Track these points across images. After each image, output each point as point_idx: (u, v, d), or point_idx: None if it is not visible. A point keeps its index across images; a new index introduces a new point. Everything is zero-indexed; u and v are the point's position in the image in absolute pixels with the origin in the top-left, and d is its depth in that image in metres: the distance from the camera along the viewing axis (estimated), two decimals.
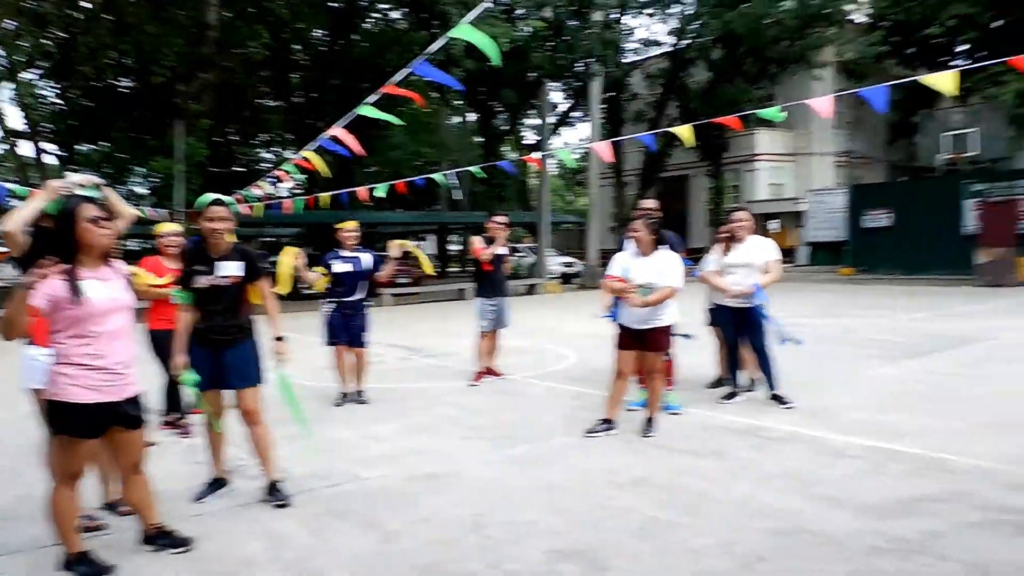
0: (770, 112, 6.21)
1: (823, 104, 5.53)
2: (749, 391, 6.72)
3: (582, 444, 5.43)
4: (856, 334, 10.86)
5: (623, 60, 29.86)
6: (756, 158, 34.00)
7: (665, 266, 5.48)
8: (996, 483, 4.32)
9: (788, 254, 28.51)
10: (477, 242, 7.97)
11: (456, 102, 33.62)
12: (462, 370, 8.58)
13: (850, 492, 4.25)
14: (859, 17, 31.42)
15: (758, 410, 6.29)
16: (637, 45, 31.75)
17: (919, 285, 19.57)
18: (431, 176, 10.29)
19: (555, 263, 27.33)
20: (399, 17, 26.73)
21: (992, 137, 21.42)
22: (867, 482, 4.43)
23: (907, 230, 23.04)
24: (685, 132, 6.59)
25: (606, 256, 11.81)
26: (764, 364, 6.49)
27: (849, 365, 8.35)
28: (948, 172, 23.78)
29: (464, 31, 5.17)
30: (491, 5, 18.65)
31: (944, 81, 4.78)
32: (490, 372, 8.07)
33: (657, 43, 31.84)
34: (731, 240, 6.53)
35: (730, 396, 6.66)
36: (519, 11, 24.17)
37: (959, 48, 29.40)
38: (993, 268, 18.30)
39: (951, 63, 27.68)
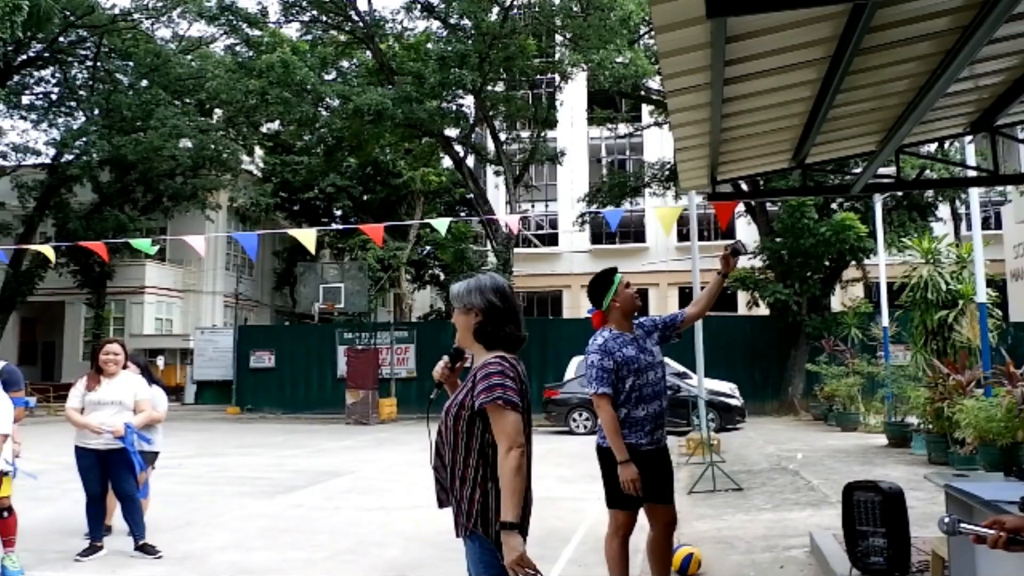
0: (142, 244, 6.03)
1: (199, 243, 5.56)
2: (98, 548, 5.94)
3: None
4: (231, 472, 10.82)
5: None
6: (144, 290, 32.62)
7: None
8: None
9: (176, 392, 27.51)
10: None
11: None
12: None
13: None
14: (254, 169, 33.65)
15: (123, 564, 5.65)
16: (5, 149, 28.31)
17: (299, 423, 20.76)
18: None
19: None
20: None
21: (358, 292, 24.60)
22: None
23: (289, 371, 24.51)
24: (47, 251, 5.91)
25: None
26: (131, 512, 5.92)
27: (221, 505, 8.19)
28: (323, 320, 26.35)
29: None
30: None
31: (308, 238, 5.26)
32: None
33: (36, 152, 28.80)
34: (100, 374, 5.92)
35: (89, 551, 5.82)
36: None
37: (337, 212, 33.72)
38: (359, 408, 20.54)
39: (330, 224, 31.47)
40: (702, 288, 5.38)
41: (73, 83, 29.04)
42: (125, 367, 6.06)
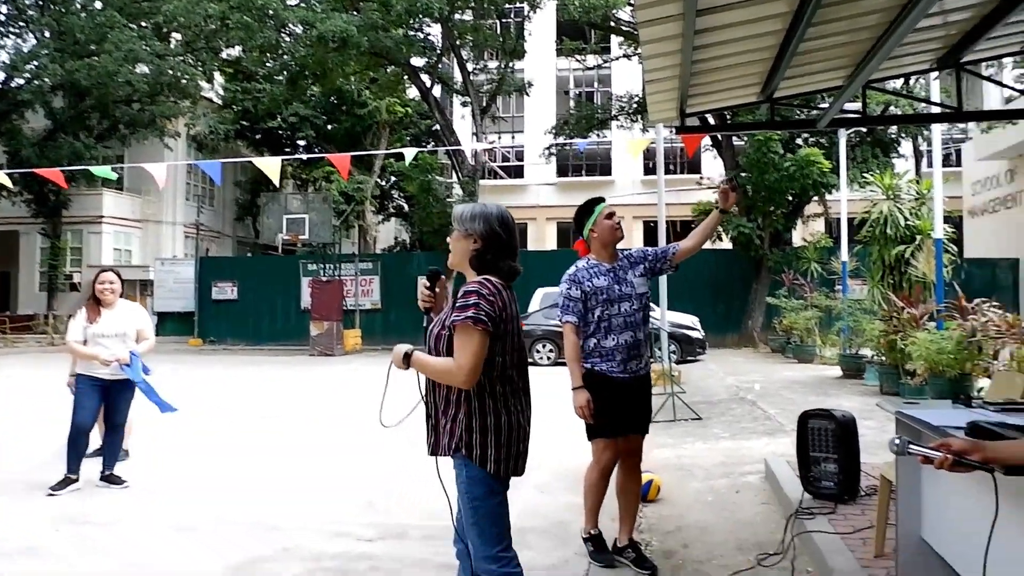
0: (102, 170, 5.90)
1: (160, 171, 5.43)
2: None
3: None
4: (197, 403, 10.79)
5: None
6: (102, 220, 31.89)
7: None
8: (320, 534, 4.68)
9: None
10: None
11: None
12: None
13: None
14: (213, 96, 32.64)
15: (91, 493, 5.67)
16: None
17: (262, 355, 20.74)
18: None
19: None
20: None
21: (322, 224, 24.29)
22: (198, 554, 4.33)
23: (252, 303, 24.35)
24: (2, 178, 5.73)
25: None
26: (113, 443, 5.97)
27: (188, 434, 8.18)
28: (287, 251, 26.06)
29: None
30: None
31: (271, 167, 5.17)
32: None
33: None
34: (99, 305, 5.83)
35: (64, 484, 5.72)
36: None
37: (300, 142, 32.98)
38: (323, 339, 20.57)
39: (292, 154, 30.82)
40: (674, 224, 5.41)
41: (22, 3, 27.66)
42: (121, 296, 6.01)
